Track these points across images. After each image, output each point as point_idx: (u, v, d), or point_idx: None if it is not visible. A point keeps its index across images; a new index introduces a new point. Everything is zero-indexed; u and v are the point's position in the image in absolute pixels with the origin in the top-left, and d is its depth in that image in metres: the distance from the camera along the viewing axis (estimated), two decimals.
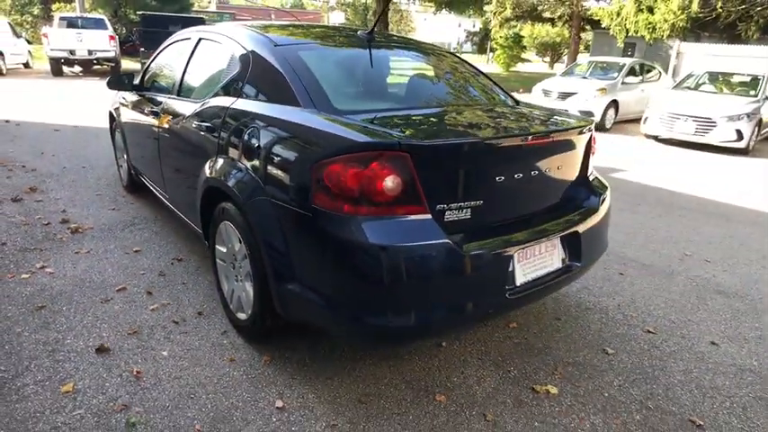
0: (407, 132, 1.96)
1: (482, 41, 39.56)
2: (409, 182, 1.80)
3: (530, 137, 2.12)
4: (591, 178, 2.60)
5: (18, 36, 16.32)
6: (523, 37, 29.04)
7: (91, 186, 4.75)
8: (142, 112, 3.54)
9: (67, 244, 3.50)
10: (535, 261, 2.15)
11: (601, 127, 9.73)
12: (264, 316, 2.25)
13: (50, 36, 13.94)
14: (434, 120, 2.37)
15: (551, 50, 33.76)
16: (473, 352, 2.51)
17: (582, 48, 24.72)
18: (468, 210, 1.94)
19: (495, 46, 28.96)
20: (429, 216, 1.84)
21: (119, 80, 3.83)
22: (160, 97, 3.29)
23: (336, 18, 36.14)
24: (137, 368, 2.27)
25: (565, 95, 10.04)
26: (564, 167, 2.35)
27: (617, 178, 6.20)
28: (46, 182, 4.79)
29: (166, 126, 3.07)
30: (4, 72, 14.01)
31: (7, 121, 7.53)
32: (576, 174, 2.48)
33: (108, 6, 27.33)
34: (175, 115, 2.98)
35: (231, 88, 2.53)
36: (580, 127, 2.37)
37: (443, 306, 1.89)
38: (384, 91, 2.63)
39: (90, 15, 17.79)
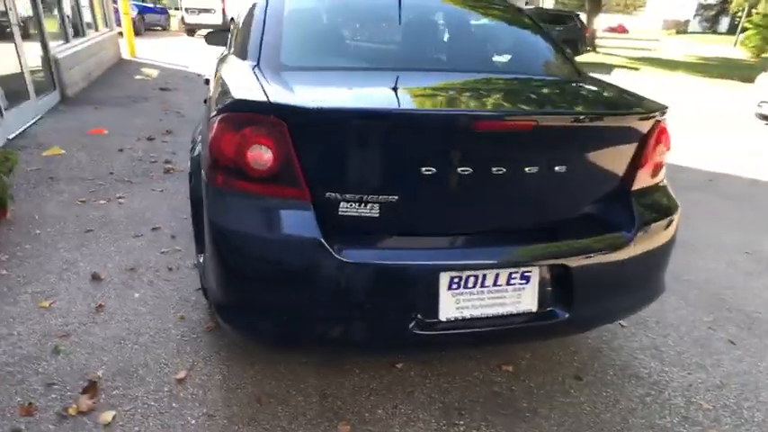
0: (305, 95, 1.53)
1: (715, 17, 32.09)
2: (285, 156, 1.41)
3: (499, 118, 1.48)
4: (639, 193, 1.75)
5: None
6: None
7: None
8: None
9: (154, 181, 3.91)
10: (484, 294, 1.54)
11: None
12: (203, 285, 2.12)
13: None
14: (387, 85, 1.77)
15: None
16: (429, 387, 2.00)
17: None
18: (376, 206, 1.46)
19: (747, 25, 23.12)
20: (308, 203, 1.43)
21: (214, 36, 4.04)
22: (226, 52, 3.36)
23: None
24: (102, 302, 2.38)
25: None
26: (577, 170, 1.61)
27: None
28: (184, 127, 5.45)
29: None
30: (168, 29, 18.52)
31: (186, 67, 8.92)
32: (606, 183, 1.70)
33: None
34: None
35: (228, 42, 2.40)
36: (616, 115, 1.59)
37: (309, 319, 1.48)
38: (369, 48, 2.17)
39: None
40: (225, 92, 1.62)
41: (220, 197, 1.50)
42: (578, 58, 15.58)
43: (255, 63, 1.81)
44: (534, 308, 1.58)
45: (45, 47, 6.06)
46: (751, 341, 2.42)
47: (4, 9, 4.94)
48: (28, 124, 5.13)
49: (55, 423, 1.72)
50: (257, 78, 1.64)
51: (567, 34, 14.84)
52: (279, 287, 1.46)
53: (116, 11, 11.08)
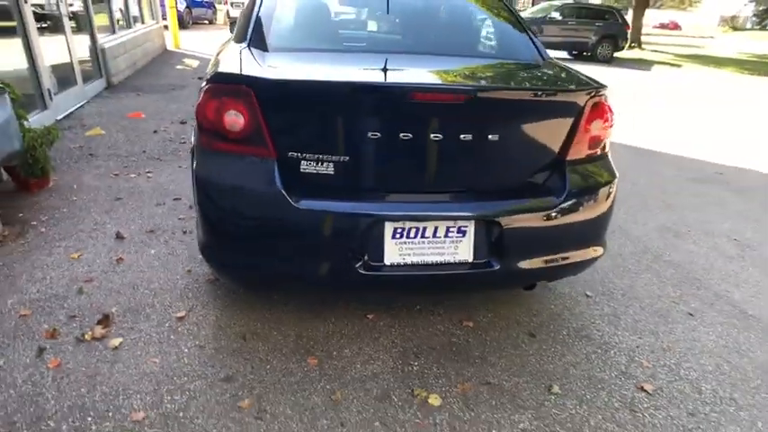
0: (275, 70, 1.81)
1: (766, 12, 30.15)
2: (254, 120, 1.69)
3: (433, 90, 1.70)
4: (574, 163, 1.93)
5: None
6: None
7: None
8: None
9: (181, 159, 4.30)
10: (424, 244, 1.78)
11: None
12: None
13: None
14: (348, 61, 2.08)
15: None
16: (394, 334, 2.24)
17: None
18: (331, 165, 1.72)
19: None
20: (273, 161, 1.71)
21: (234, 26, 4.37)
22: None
23: None
24: (122, 256, 2.75)
25: None
26: (511, 140, 1.82)
27: None
28: None
29: None
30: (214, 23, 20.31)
31: None
32: (540, 152, 1.89)
33: None
34: None
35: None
36: (545, 92, 1.79)
37: (272, 257, 1.76)
38: (345, 32, 2.41)
39: None
40: (213, 67, 1.92)
41: (204, 155, 1.80)
42: (619, 54, 15.29)
43: (246, 45, 2.10)
44: (470, 258, 1.81)
45: (93, 38, 6.62)
46: (710, 314, 2.54)
47: (56, 3, 5.47)
48: (75, 107, 5.66)
49: (73, 345, 2.07)
50: (243, 57, 1.92)
51: (607, 30, 14.58)
52: (247, 230, 1.75)
53: (162, 5, 11.75)
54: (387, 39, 2.42)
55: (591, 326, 2.39)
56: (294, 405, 1.84)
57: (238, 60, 1.87)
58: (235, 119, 1.69)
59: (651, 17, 34.20)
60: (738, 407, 1.96)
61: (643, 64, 14.60)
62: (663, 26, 35.95)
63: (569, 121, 1.85)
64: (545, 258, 1.93)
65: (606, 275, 2.84)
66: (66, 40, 5.70)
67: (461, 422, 1.81)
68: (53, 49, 5.56)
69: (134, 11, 9.21)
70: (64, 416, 1.73)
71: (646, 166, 4.94)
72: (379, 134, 1.69)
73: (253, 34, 2.14)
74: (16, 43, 4.70)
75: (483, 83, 1.92)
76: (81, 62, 6.12)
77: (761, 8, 32.43)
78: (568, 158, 1.90)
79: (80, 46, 6.17)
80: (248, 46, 2.09)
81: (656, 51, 18.22)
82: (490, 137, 1.75)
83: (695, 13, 48.31)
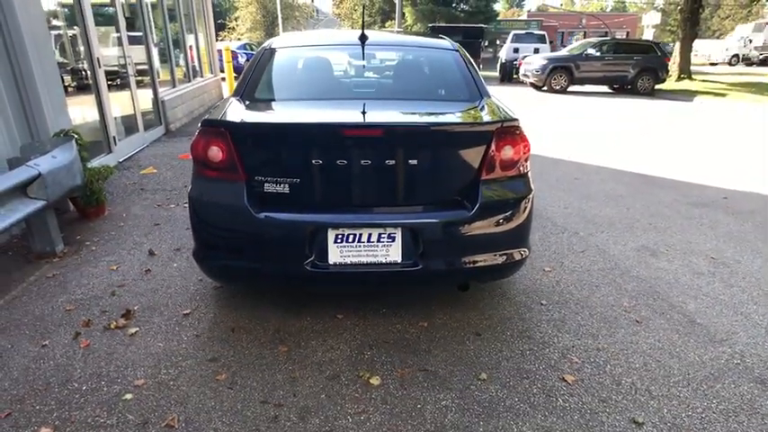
0: (259, 114, 2.34)
1: None
2: (229, 153, 2.22)
3: (359, 127, 2.17)
4: (488, 182, 2.28)
5: None
6: None
7: None
8: None
9: None
10: (361, 247, 2.20)
11: None
12: None
13: None
14: (310, 107, 2.58)
15: None
16: (357, 331, 2.62)
17: None
18: (287, 185, 2.20)
19: None
20: (243, 183, 2.22)
21: None
22: None
23: (650, 20, 32.16)
24: (150, 267, 3.35)
25: None
26: (429, 163, 2.23)
27: None
28: None
29: None
30: None
31: None
32: (457, 173, 2.28)
33: (426, 20, 31.60)
34: None
35: None
36: (452, 125, 2.22)
37: (241, 257, 2.24)
38: (317, 85, 2.92)
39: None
40: (208, 114, 2.50)
41: (195, 179, 2.34)
42: (664, 86, 15.16)
43: (239, 96, 2.68)
44: (399, 259, 2.21)
45: (155, 92, 7.68)
46: (657, 322, 2.74)
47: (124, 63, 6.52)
48: (135, 151, 6.60)
49: (100, 331, 2.63)
50: (230, 106, 2.49)
51: (646, 63, 14.62)
52: (222, 236, 2.26)
53: (220, 59, 13.14)
54: (351, 89, 2.95)
55: (535, 328, 2.66)
56: (260, 380, 2.27)
57: (225, 108, 2.43)
58: (216, 152, 2.23)
59: (708, 46, 33.20)
60: (651, 396, 2.17)
61: (685, 95, 14.36)
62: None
63: (482, 147, 2.23)
64: (465, 260, 2.29)
65: (566, 287, 3.09)
66: (132, 96, 6.71)
67: (393, 398, 2.16)
68: (121, 102, 6.58)
69: (195, 65, 10.45)
70: (85, 380, 2.26)
71: (647, 192, 5.08)
72: (321, 161, 2.17)
73: (245, 88, 2.72)
74: (90, 99, 5.68)
75: (402, 120, 2.35)
76: (144, 113, 7.13)
77: None
78: (483, 178, 2.27)
79: (144, 99, 7.21)
80: (241, 97, 2.66)
81: (705, 81, 17.78)
82: (410, 161, 2.19)
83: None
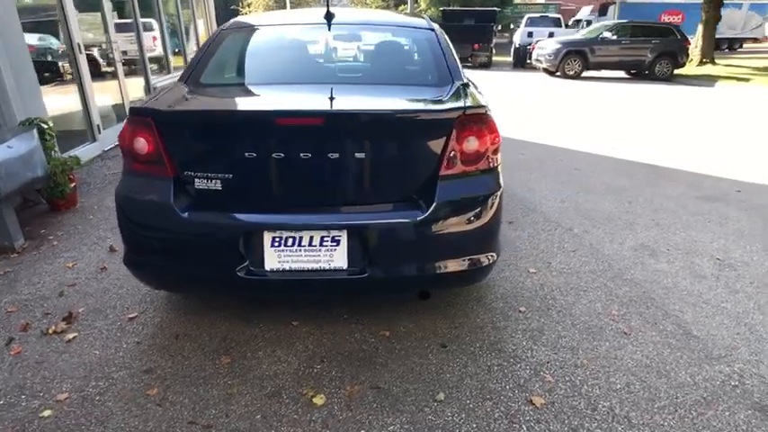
0: (192, 102, 2.09)
1: None
2: (156, 145, 1.98)
3: (303, 116, 1.90)
4: (447, 178, 2.00)
5: None
6: None
7: None
8: None
9: None
10: (302, 252, 1.95)
11: None
12: None
13: None
14: (254, 94, 2.35)
15: None
16: (310, 340, 2.38)
17: None
18: (218, 181, 1.95)
19: None
20: (170, 179, 1.97)
21: None
22: None
23: None
24: (106, 265, 3.15)
25: None
26: (381, 157, 1.95)
27: None
28: None
29: None
30: None
31: None
32: (412, 168, 2.00)
33: (440, 4, 30.87)
34: None
35: None
36: (409, 113, 1.92)
37: (169, 261, 2.00)
38: (271, 69, 2.63)
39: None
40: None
41: (124, 174, 2.11)
42: (684, 71, 14.49)
43: (184, 82, 2.43)
44: (345, 266, 1.94)
45: (147, 79, 7.49)
46: (648, 333, 2.44)
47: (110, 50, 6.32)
48: None
49: (37, 337, 2.44)
50: (168, 93, 2.24)
51: (665, 47, 13.97)
52: (148, 237, 2.02)
53: None
54: (308, 73, 2.66)
55: (509, 339, 2.40)
56: (194, 396, 2.05)
57: (158, 95, 2.19)
58: (143, 144, 1.99)
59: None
60: (629, 425, 1.90)
61: (706, 80, 13.69)
62: (755, 40, 33.16)
63: (441, 138, 1.95)
64: (420, 267, 2.02)
65: (550, 292, 2.81)
66: (119, 83, 6.52)
67: (336, 421, 1.92)
68: (108, 90, 6.40)
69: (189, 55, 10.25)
70: (6, 393, 2.06)
71: (654, 184, 4.72)
72: (255, 154, 1.91)
73: (191, 72, 2.47)
74: (73, 87, 5.51)
75: (345, 107, 2.07)
76: (134, 101, 6.95)
77: None
78: (442, 174, 1.98)
79: (135, 86, 7.02)
80: (185, 83, 2.41)
81: (729, 66, 16.97)
82: (357, 155, 1.91)
83: None
